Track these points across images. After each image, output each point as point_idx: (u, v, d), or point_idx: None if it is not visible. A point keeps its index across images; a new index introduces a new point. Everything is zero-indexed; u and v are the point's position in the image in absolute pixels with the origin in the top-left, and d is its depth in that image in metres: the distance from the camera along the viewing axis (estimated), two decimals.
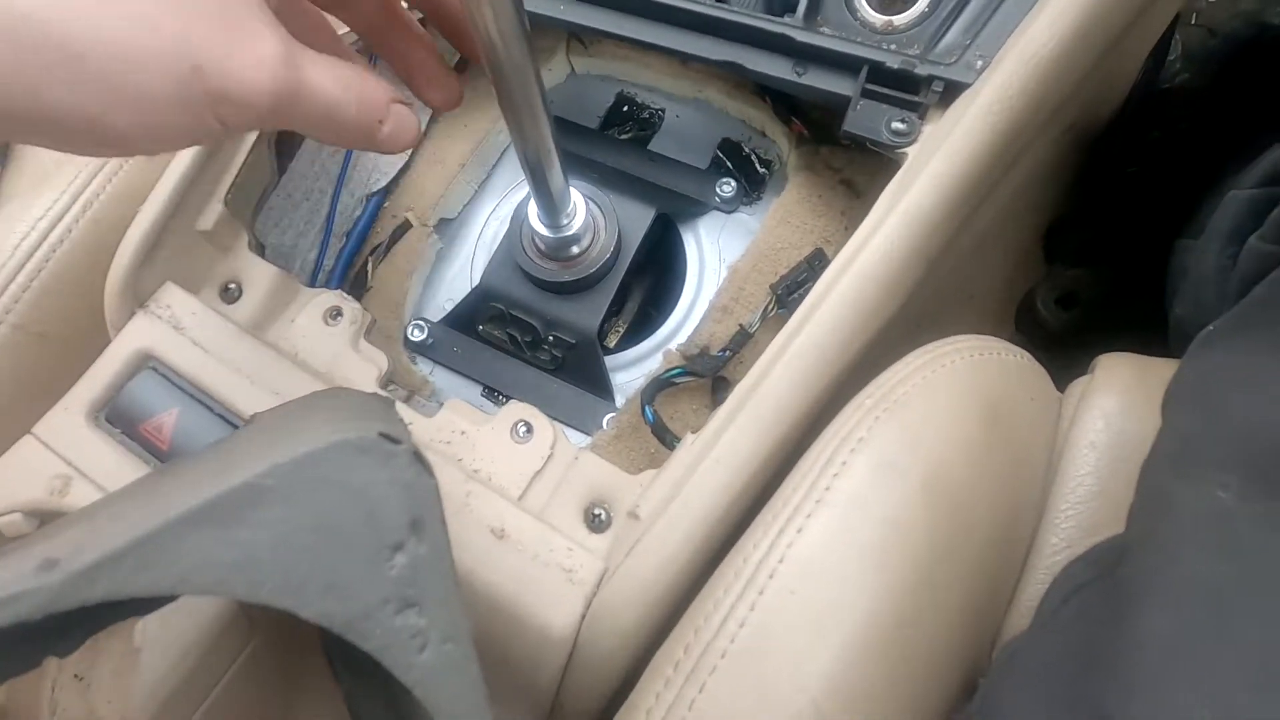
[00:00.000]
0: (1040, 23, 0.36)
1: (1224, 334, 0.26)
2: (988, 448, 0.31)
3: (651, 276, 0.57)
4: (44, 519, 0.36)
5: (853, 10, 0.41)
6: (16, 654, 0.22)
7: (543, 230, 0.45)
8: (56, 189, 0.43)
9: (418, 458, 0.22)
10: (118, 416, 0.38)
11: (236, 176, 0.42)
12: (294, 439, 0.22)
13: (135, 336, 0.39)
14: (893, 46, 0.40)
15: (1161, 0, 0.53)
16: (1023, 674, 0.25)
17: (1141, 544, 0.23)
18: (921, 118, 0.39)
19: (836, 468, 0.29)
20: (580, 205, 0.45)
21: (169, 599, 0.25)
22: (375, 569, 0.21)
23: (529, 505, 0.36)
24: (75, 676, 0.41)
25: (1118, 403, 0.35)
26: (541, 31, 0.53)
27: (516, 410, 0.38)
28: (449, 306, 0.53)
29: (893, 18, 0.41)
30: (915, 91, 0.39)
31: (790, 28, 0.40)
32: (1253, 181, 0.32)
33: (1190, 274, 0.36)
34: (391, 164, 0.54)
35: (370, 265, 0.53)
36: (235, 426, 0.37)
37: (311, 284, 0.52)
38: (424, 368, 0.52)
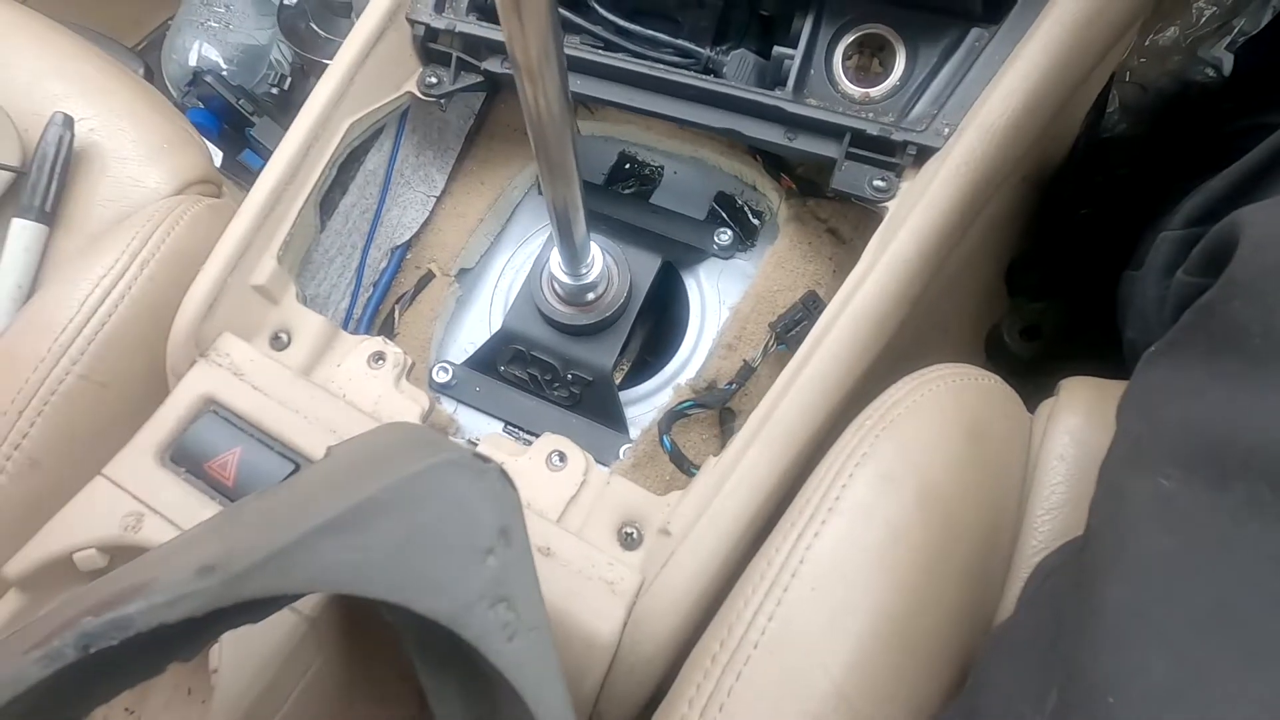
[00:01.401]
0: (995, 97, 0.42)
1: (1162, 353, 0.31)
2: (970, 461, 0.36)
3: (654, 319, 0.62)
4: (116, 554, 0.39)
5: (834, 84, 0.48)
6: (151, 658, 0.25)
7: (563, 277, 0.50)
8: (115, 250, 0.47)
9: (504, 474, 0.26)
10: (183, 456, 0.41)
11: (288, 234, 0.46)
12: (396, 459, 0.26)
13: (197, 383, 0.42)
14: (870, 115, 0.46)
15: (1099, 67, 0.61)
16: (1004, 649, 0.29)
17: (1100, 529, 0.27)
18: (899, 176, 0.45)
19: (844, 480, 0.34)
20: (597, 255, 0.50)
21: (277, 606, 0.28)
22: (472, 569, 0.25)
23: (567, 526, 0.39)
24: (126, 710, 0.43)
25: (1081, 420, 0.40)
26: None
27: (551, 442, 0.42)
28: (470, 349, 0.57)
29: (869, 90, 0.47)
30: (892, 154, 0.45)
31: (782, 100, 0.46)
32: (1179, 224, 0.38)
33: (1135, 303, 0.42)
34: (416, 220, 0.59)
35: (397, 312, 0.57)
36: (295, 463, 0.40)
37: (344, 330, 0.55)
38: (448, 406, 0.56)
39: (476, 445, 0.44)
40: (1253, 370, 0.25)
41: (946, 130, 0.43)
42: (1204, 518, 0.24)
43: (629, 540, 0.39)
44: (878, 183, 0.45)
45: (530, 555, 0.26)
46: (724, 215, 0.60)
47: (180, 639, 0.26)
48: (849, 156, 0.45)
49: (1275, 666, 0.21)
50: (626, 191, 0.62)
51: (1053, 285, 0.86)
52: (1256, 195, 0.32)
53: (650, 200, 0.61)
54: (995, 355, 0.84)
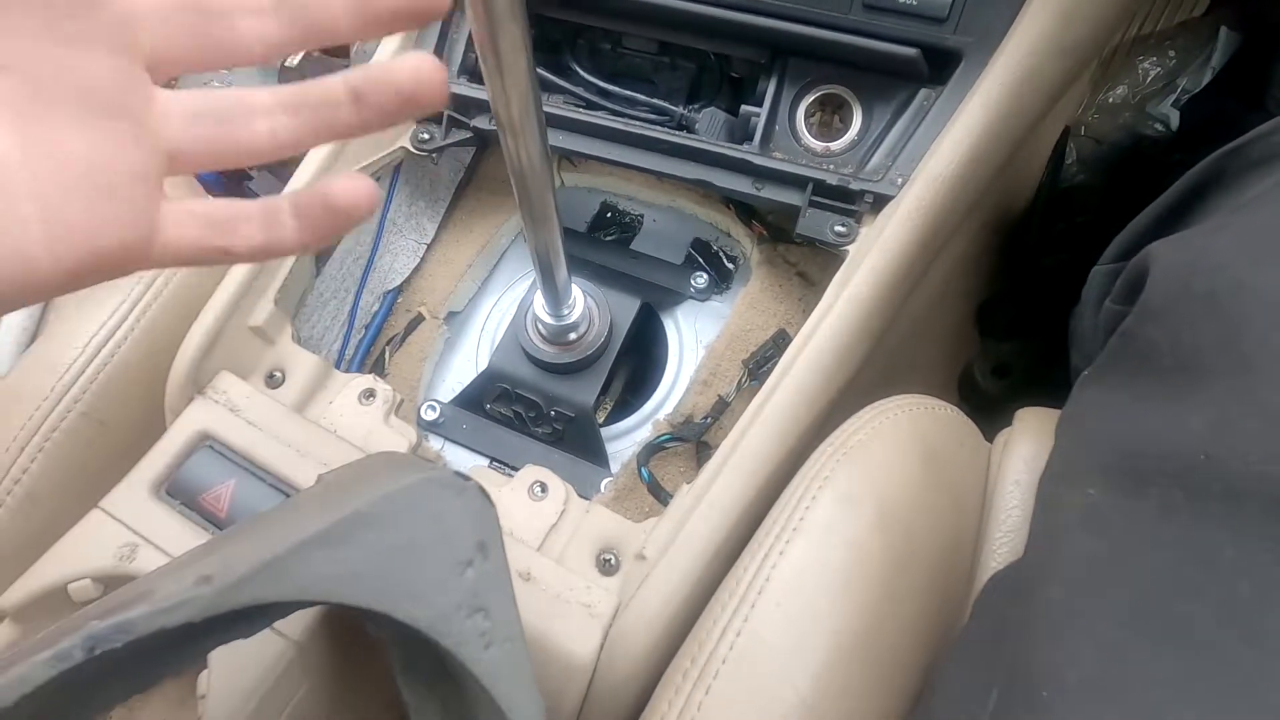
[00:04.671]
0: (942, 150, 0.46)
1: (1092, 377, 0.34)
2: (927, 482, 0.38)
3: (636, 358, 0.64)
4: (110, 584, 0.40)
5: (797, 138, 0.51)
6: (151, 665, 0.27)
7: (546, 318, 0.52)
8: (119, 295, 0.49)
9: (482, 492, 0.28)
10: (179, 490, 0.42)
11: (285, 279, 0.49)
12: (382, 480, 0.28)
13: (195, 419, 0.44)
14: (831, 167, 0.49)
15: (1047, 121, 0.65)
16: (957, 653, 0.31)
17: (1038, 538, 0.29)
18: (858, 222, 0.48)
19: (808, 502, 0.36)
20: (579, 296, 0.53)
21: (268, 620, 0.30)
22: (451, 580, 0.27)
23: (548, 553, 0.41)
24: None
25: (1033, 447, 0.42)
26: None
27: (532, 473, 0.44)
28: (457, 388, 0.60)
29: (829, 144, 0.51)
30: (851, 202, 0.48)
31: (749, 154, 0.50)
32: (1108, 258, 0.42)
33: (1077, 333, 0.45)
34: (407, 266, 0.62)
35: (388, 353, 0.60)
36: (287, 495, 0.42)
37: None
38: (435, 444, 0.58)
39: None
40: (1163, 387, 0.28)
41: (899, 180, 0.47)
42: (1126, 522, 0.27)
43: (607, 566, 0.41)
44: (838, 228, 0.48)
45: (506, 568, 0.28)
46: (700, 260, 0.63)
47: (177, 647, 0.27)
48: (812, 204, 0.49)
49: (1184, 647, 0.23)
50: (608, 238, 0.66)
51: (1021, 326, 0.90)
52: (1170, 230, 0.35)
53: (631, 246, 0.64)
54: (968, 392, 0.87)
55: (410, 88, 0.22)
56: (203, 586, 0.24)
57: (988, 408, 0.85)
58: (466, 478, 0.28)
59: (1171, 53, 0.96)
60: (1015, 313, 0.88)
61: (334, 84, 0.23)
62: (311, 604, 0.27)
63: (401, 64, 0.22)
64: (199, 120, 0.23)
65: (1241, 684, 0.21)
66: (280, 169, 1.11)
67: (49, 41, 0.20)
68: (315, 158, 0.51)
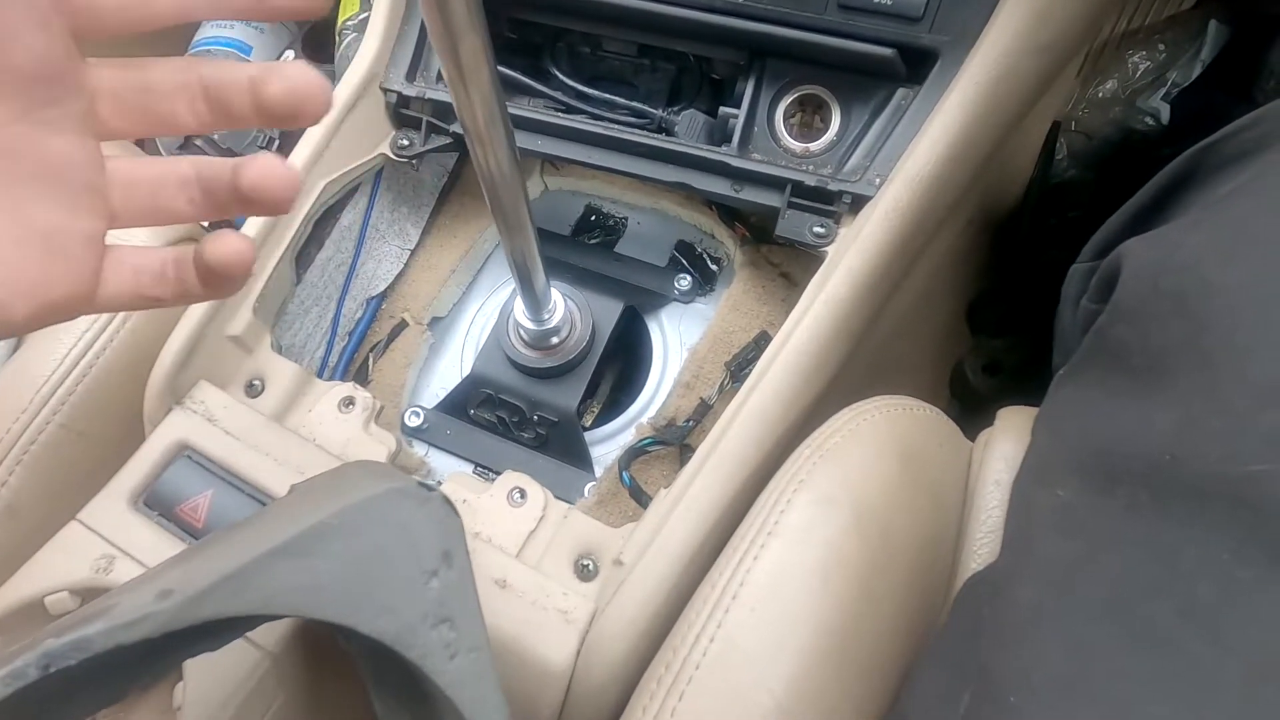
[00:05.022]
0: (920, 150, 0.45)
1: (1068, 375, 0.34)
2: (905, 483, 0.38)
3: (621, 361, 0.64)
4: (86, 597, 0.40)
5: (776, 140, 0.51)
6: (112, 682, 0.26)
7: (527, 323, 0.52)
8: None
9: (447, 502, 0.28)
10: (156, 501, 0.42)
11: (264, 287, 0.49)
12: (349, 491, 0.28)
13: (173, 429, 0.44)
14: (810, 168, 0.49)
15: (1035, 117, 0.65)
16: (932, 654, 0.31)
17: (1012, 538, 0.29)
18: (836, 223, 0.48)
19: (783, 505, 0.36)
20: (559, 301, 0.53)
21: (234, 633, 0.30)
22: (416, 591, 0.27)
23: (526, 559, 0.41)
24: None
25: (1014, 447, 0.42)
26: (520, 157, 0.62)
27: (511, 479, 0.44)
28: (442, 394, 0.59)
29: (808, 145, 0.51)
30: (830, 203, 0.48)
31: (727, 155, 0.50)
32: (1085, 256, 0.41)
33: (1057, 331, 0.45)
34: (390, 272, 0.62)
35: (371, 360, 0.60)
36: (264, 504, 0.42)
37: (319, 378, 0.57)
38: (420, 450, 0.58)
39: (441, 484, 0.46)
40: (1133, 386, 0.28)
41: (878, 180, 0.47)
42: (1096, 521, 0.26)
43: (585, 572, 0.41)
44: (817, 229, 0.48)
45: (472, 577, 0.28)
46: (684, 262, 0.63)
47: (139, 663, 0.27)
48: (791, 205, 0.49)
49: (1154, 646, 0.22)
50: (592, 241, 0.66)
51: (1012, 323, 0.89)
52: (1146, 227, 0.35)
53: (615, 249, 0.64)
54: (959, 391, 0.87)
55: (250, 188, 0.25)
56: (162, 601, 0.24)
57: (979, 405, 0.85)
58: (431, 487, 0.28)
59: (1161, 46, 0.96)
60: (1006, 310, 0.88)
61: (225, 170, 0.26)
62: (276, 617, 0.26)
63: (249, 165, 0.25)
64: (135, 189, 0.25)
65: (1204, 684, 0.21)
66: None
67: (26, 125, 0.22)
68: (294, 164, 0.51)
